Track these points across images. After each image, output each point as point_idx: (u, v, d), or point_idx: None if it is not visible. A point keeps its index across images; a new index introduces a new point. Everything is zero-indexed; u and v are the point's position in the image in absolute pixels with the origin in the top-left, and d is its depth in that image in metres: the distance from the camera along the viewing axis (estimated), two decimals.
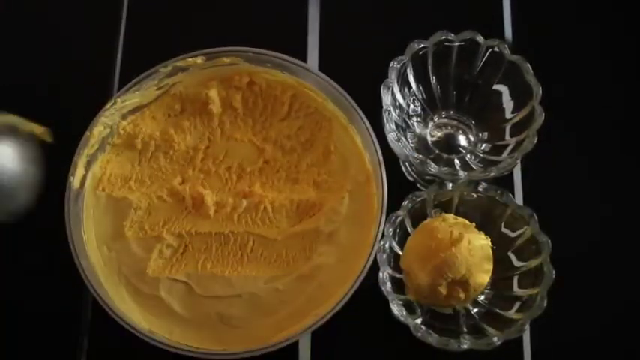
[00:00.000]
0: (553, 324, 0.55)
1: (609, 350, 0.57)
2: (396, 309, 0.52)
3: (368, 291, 0.53)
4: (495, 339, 0.50)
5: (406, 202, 0.54)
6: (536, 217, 0.53)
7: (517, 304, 0.53)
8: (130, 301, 0.55)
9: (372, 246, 0.53)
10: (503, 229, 0.55)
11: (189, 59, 0.58)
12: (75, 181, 0.56)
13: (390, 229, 0.54)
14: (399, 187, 0.60)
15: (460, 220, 0.53)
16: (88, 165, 0.57)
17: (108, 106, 0.57)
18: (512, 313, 0.53)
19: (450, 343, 0.50)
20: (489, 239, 0.53)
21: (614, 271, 0.59)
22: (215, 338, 0.54)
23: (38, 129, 0.54)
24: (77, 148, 0.56)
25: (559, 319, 0.54)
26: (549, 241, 0.52)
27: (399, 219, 0.54)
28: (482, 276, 0.52)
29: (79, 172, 0.56)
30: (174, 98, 0.60)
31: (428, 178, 0.59)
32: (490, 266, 0.53)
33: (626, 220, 0.61)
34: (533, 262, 0.53)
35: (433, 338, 0.50)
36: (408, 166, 0.60)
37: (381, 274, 0.52)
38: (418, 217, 0.55)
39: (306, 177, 0.58)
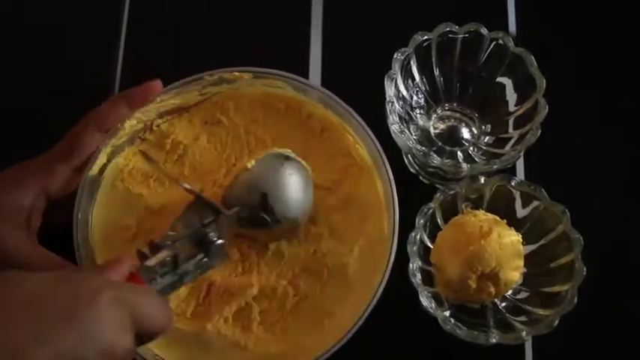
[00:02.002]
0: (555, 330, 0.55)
1: (610, 352, 0.57)
2: (425, 301, 0.51)
3: (396, 282, 0.52)
4: (524, 334, 0.50)
5: (438, 194, 0.54)
6: (568, 214, 0.52)
7: (547, 301, 0.52)
8: None
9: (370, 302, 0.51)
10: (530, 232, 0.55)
11: (237, 73, 0.57)
12: (94, 167, 0.55)
13: (422, 221, 0.53)
14: (402, 179, 0.60)
15: (491, 215, 0.53)
16: (112, 154, 0.56)
17: None
18: (541, 310, 0.52)
19: (479, 337, 0.50)
20: (520, 235, 0.53)
21: (618, 264, 0.59)
22: (186, 356, 0.53)
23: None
24: (104, 137, 0.55)
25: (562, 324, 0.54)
26: (581, 238, 0.52)
27: (430, 211, 0.54)
28: (513, 273, 0.52)
29: (101, 160, 0.55)
30: (215, 106, 0.59)
31: (430, 170, 0.59)
32: (521, 263, 0.52)
33: (630, 212, 0.61)
34: (564, 259, 0.52)
35: (462, 331, 0.50)
36: (410, 158, 0.60)
37: (411, 266, 0.52)
38: (449, 211, 0.55)
39: (323, 218, 0.57)
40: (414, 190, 0.55)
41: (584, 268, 0.51)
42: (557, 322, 0.50)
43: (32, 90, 0.64)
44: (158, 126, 0.58)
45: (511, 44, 0.57)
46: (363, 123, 0.55)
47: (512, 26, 0.65)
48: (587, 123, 0.63)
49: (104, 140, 0.55)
